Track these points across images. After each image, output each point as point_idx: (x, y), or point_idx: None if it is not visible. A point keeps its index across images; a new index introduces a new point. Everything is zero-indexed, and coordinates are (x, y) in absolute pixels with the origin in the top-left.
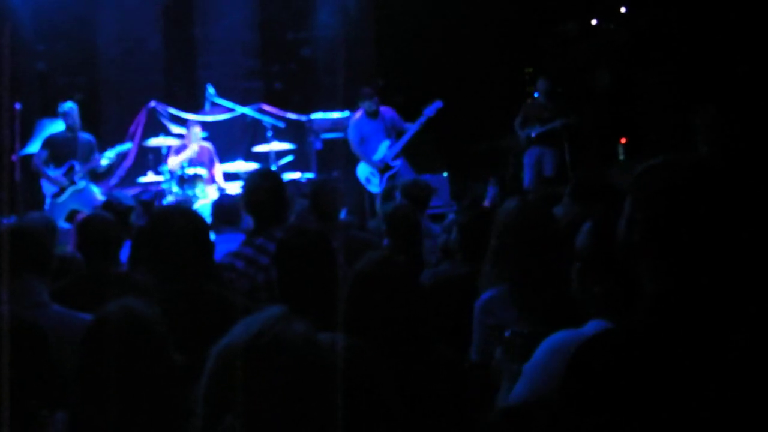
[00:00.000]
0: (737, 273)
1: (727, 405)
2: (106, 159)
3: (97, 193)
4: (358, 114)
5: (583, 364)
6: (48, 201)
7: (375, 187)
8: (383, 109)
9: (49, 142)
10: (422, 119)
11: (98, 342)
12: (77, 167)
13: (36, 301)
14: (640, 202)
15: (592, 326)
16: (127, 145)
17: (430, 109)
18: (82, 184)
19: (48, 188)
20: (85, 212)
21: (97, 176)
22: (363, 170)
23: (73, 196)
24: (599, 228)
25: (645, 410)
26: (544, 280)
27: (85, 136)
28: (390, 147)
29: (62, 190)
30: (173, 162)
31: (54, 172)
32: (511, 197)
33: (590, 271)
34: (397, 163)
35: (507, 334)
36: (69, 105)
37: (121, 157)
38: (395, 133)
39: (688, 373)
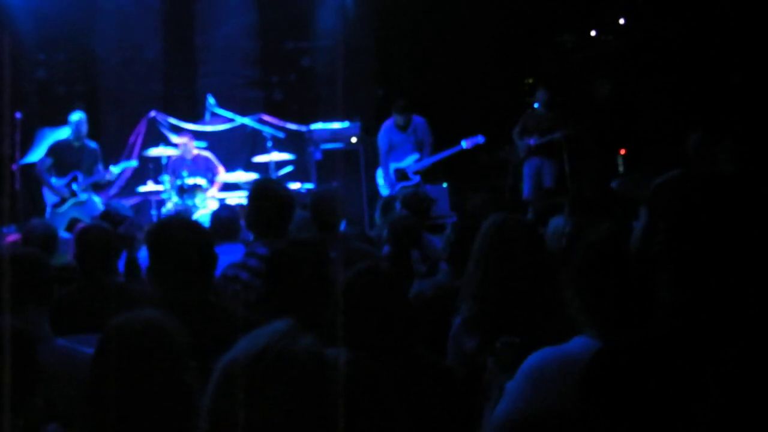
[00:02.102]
0: (758, 284)
1: (751, 414)
2: (109, 174)
3: (99, 204)
4: (389, 121)
5: (602, 377)
6: (48, 210)
7: (386, 192)
8: (416, 119)
9: (54, 150)
10: (458, 148)
11: (113, 353)
12: (80, 178)
13: (37, 336)
14: (661, 213)
15: (576, 342)
16: (132, 163)
17: (470, 142)
18: (83, 196)
19: (49, 197)
20: (85, 222)
21: (97, 186)
22: (381, 174)
23: (74, 207)
24: (595, 243)
25: (666, 421)
26: (517, 299)
27: (90, 145)
28: (416, 161)
29: (63, 200)
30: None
31: (57, 182)
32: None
33: (579, 286)
34: (416, 178)
35: (499, 344)
36: (78, 115)
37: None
38: (423, 146)
39: (707, 383)
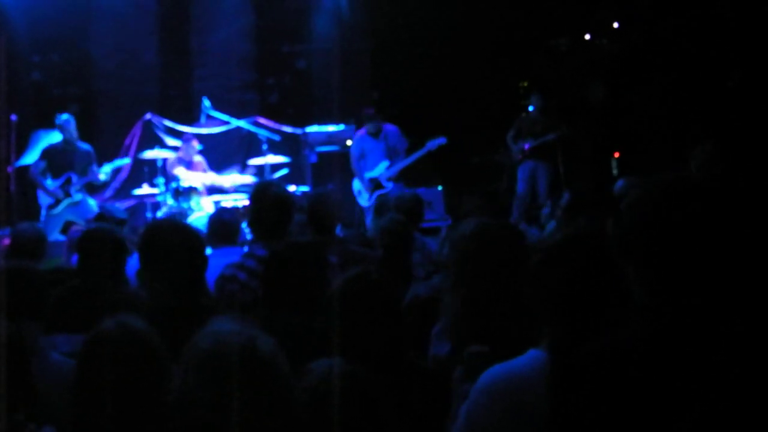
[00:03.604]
0: (729, 286)
1: (718, 411)
2: (103, 174)
3: (94, 205)
4: (362, 130)
5: (574, 385)
6: (43, 212)
7: (364, 201)
8: (387, 127)
9: (47, 153)
10: (423, 151)
11: (95, 359)
12: (74, 179)
13: (33, 349)
14: (632, 218)
15: (529, 356)
16: (125, 160)
17: (433, 143)
18: (78, 197)
19: (44, 199)
20: (80, 224)
21: (92, 188)
22: (357, 182)
23: (69, 208)
24: (548, 247)
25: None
26: (491, 308)
27: (83, 147)
28: (387, 168)
29: (58, 201)
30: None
31: (51, 184)
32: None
33: (536, 298)
34: (389, 185)
35: (466, 354)
36: (65, 117)
37: (116, 170)
38: (395, 153)
39: (691, 383)
